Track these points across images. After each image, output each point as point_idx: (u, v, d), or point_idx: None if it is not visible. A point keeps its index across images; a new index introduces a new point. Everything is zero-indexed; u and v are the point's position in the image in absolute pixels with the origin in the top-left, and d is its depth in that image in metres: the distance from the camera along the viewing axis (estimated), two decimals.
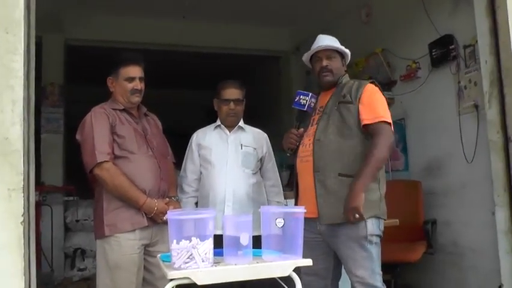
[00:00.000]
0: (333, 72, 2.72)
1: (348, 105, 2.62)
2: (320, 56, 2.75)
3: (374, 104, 2.60)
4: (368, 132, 2.57)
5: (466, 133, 3.99)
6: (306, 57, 2.85)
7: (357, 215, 2.42)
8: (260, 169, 3.26)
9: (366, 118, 2.56)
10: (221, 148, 3.16)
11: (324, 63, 2.72)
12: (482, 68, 3.29)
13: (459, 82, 4.07)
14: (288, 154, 2.78)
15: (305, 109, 2.71)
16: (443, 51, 4.20)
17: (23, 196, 2.25)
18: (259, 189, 3.19)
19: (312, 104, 2.72)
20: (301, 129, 2.72)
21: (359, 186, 2.45)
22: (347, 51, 2.79)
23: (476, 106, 3.85)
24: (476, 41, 3.54)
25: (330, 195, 2.53)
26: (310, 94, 2.71)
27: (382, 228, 2.64)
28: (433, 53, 4.32)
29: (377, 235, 2.59)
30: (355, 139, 2.58)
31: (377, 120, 2.55)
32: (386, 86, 4.95)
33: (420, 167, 4.61)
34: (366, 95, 2.62)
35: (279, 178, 3.37)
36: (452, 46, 4.10)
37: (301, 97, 2.72)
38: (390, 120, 2.60)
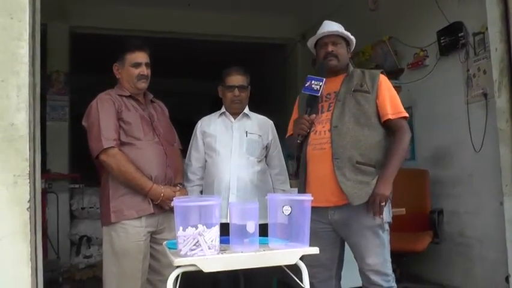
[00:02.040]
0: (338, 58, 2.70)
1: (366, 95, 2.62)
2: (325, 41, 2.72)
3: (394, 99, 2.65)
4: (388, 125, 2.61)
5: (474, 122, 3.96)
6: (311, 42, 2.82)
7: (383, 203, 2.47)
8: (266, 157, 3.24)
9: (390, 113, 2.60)
10: (226, 135, 3.14)
11: (330, 48, 2.70)
12: (492, 56, 3.25)
13: (468, 70, 4.04)
14: (298, 141, 2.72)
15: (318, 94, 2.64)
16: (452, 39, 4.16)
17: (29, 182, 2.25)
18: (264, 177, 3.17)
19: (323, 90, 2.66)
20: (313, 115, 2.67)
21: (388, 177, 2.51)
22: (353, 38, 2.77)
23: (485, 94, 3.82)
24: (486, 29, 3.50)
25: (349, 181, 2.52)
26: (323, 79, 2.64)
27: (391, 214, 2.67)
28: (441, 41, 4.28)
29: (388, 222, 2.61)
30: (371, 128, 2.58)
31: (399, 116, 2.61)
32: (393, 74, 4.92)
33: (428, 155, 4.59)
34: (384, 87, 2.65)
35: (284, 166, 3.34)
36: (461, 34, 4.06)
37: (313, 82, 2.65)
38: (407, 114, 2.68)
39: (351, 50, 2.84)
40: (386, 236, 2.59)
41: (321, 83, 2.63)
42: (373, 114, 2.60)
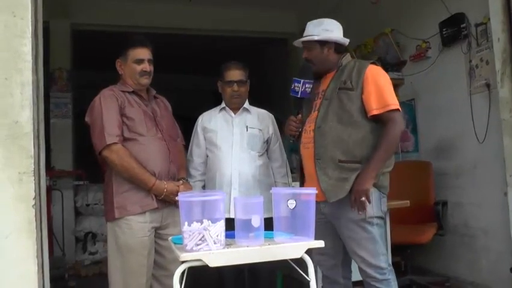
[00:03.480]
0: (313, 62, 2.70)
1: (349, 92, 2.57)
2: (303, 46, 2.75)
3: (380, 91, 2.54)
4: (377, 120, 2.54)
5: (477, 113, 3.95)
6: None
7: (363, 198, 2.43)
8: (267, 151, 3.24)
9: (375, 108, 2.52)
10: (226, 131, 3.15)
11: (304, 55, 2.73)
12: (495, 46, 3.24)
13: (470, 61, 4.02)
14: (290, 141, 2.80)
15: (299, 96, 2.69)
16: (454, 30, 4.14)
17: (34, 179, 2.26)
18: (266, 171, 3.18)
19: (308, 90, 2.69)
20: (299, 116, 2.73)
21: (369, 171, 2.47)
22: (322, 37, 2.66)
23: (487, 85, 3.80)
24: (489, 19, 3.49)
25: (331, 180, 2.53)
26: (302, 81, 2.67)
27: (384, 208, 2.62)
28: (444, 32, 4.27)
29: (378, 217, 2.56)
30: (354, 126, 2.54)
31: (386, 109, 2.51)
32: (395, 67, 4.91)
33: (431, 147, 4.58)
34: (370, 80, 2.55)
35: (286, 159, 3.35)
36: (464, 25, 4.04)
37: (295, 84, 2.70)
38: (398, 106, 2.55)
39: (333, 48, 2.69)
40: (376, 230, 2.54)
41: (299, 85, 2.68)
42: (356, 111, 2.55)
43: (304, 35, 2.72)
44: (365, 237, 2.53)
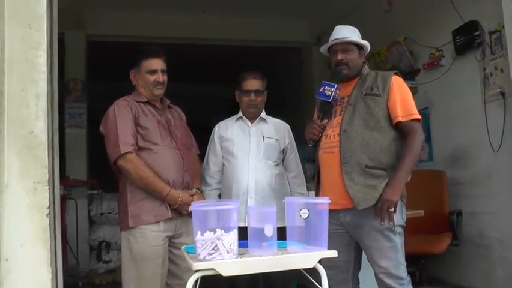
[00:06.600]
0: (348, 66, 2.68)
1: (376, 98, 2.59)
2: (335, 49, 2.70)
3: (405, 101, 2.60)
4: (400, 128, 2.56)
5: (492, 121, 3.92)
6: (323, 50, 2.81)
7: (391, 209, 2.43)
8: (283, 160, 3.24)
9: (401, 116, 2.55)
10: (243, 140, 3.15)
11: (339, 56, 2.67)
12: (510, 54, 3.23)
13: (484, 69, 4.00)
14: (310, 145, 2.73)
15: (330, 100, 2.65)
16: (468, 38, 4.13)
17: (48, 189, 2.29)
18: (282, 181, 3.18)
19: (337, 96, 2.66)
20: (325, 120, 2.68)
21: (399, 182, 2.47)
22: (364, 42, 2.73)
23: (502, 93, 3.79)
24: (503, 27, 3.47)
25: (357, 185, 2.51)
26: (336, 85, 2.64)
27: (405, 217, 2.62)
28: (457, 40, 4.26)
29: (401, 225, 2.58)
30: (381, 131, 2.55)
31: (411, 118, 2.56)
32: (409, 75, 4.90)
33: (445, 156, 4.55)
34: (395, 89, 2.60)
35: (301, 169, 3.34)
36: (477, 32, 4.03)
37: (326, 88, 2.66)
38: (420, 116, 2.61)
39: (365, 53, 2.78)
40: (398, 239, 2.55)
41: (333, 89, 2.64)
42: (383, 117, 2.57)
43: (338, 37, 2.68)
44: (387, 246, 2.52)
